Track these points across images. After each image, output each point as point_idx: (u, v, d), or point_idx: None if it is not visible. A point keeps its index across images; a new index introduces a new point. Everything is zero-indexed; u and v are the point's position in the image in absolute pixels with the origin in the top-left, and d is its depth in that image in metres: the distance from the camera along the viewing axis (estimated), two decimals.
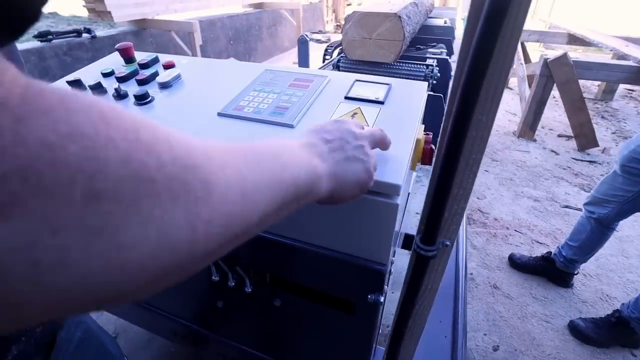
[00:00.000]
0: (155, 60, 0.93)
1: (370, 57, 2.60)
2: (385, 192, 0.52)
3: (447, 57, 2.77)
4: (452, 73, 2.66)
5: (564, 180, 2.76)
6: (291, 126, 0.63)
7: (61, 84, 0.86)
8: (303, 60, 2.26)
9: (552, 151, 3.22)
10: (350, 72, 2.59)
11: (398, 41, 2.50)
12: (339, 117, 0.65)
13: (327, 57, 3.53)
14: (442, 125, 0.40)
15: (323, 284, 0.69)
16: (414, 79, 2.44)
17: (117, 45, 0.92)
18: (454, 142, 0.36)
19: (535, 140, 3.41)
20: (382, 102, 0.68)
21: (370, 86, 0.74)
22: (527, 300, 1.74)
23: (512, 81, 4.90)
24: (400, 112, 0.66)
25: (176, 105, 0.74)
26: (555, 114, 4.08)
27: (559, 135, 3.54)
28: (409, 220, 1.63)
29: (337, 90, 0.73)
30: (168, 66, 0.89)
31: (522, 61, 3.96)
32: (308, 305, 0.73)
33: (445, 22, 4.19)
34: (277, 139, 0.37)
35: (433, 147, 0.71)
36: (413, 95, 0.72)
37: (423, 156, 0.70)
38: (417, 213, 2.17)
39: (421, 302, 0.54)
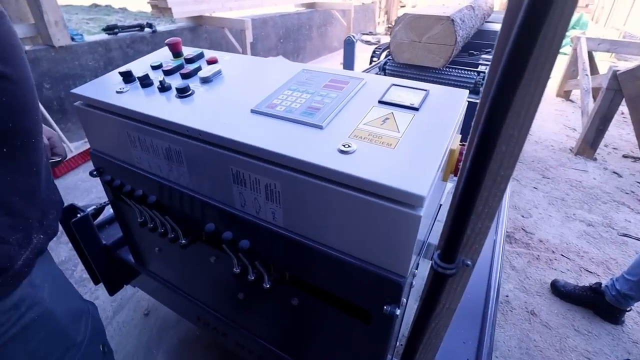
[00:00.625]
0: (200, 56, 0.97)
1: (418, 61, 2.53)
2: (408, 202, 0.50)
3: None
4: None
5: (625, 206, 2.52)
6: (320, 127, 0.62)
7: (114, 74, 0.92)
8: (348, 61, 2.25)
9: (615, 172, 2.95)
10: (396, 75, 2.54)
11: (449, 46, 2.41)
12: (370, 121, 0.64)
13: (375, 59, 3.50)
14: (469, 136, 0.37)
15: (340, 289, 0.68)
16: (462, 86, 2.35)
17: (167, 40, 0.97)
18: (480, 157, 0.34)
19: (595, 160, 3.14)
20: (416, 109, 0.66)
21: (407, 91, 0.72)
22: (567, 332, 1.60)
23: (575, 93, 4.55)
24: (434, 120, 0.63)
25: (213, 99, 0.76)
26: (622, 131, 3.73)
27: (625, 156, 3.24)
28: (440, 230, 1.56)
29: (371, 94, 0.72)
30: (211, 62, 0.92)
31: (588, 72, 3.66)
32: (324, 308, 0.73)
33: None
34: None
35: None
36: (451, 103, 0.68)
37: (457, 167, 0.67)
38: None
39: (437, 321, 0.52)
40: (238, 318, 0.98)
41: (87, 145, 2.89)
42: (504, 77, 0.30)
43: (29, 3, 2.75)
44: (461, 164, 0.61)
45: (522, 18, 0.28)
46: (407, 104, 0.67)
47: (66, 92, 3.01)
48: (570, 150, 3.31)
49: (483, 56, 2.93)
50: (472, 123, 0.36)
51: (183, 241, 0.82)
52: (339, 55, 6.68)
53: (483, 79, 2.30)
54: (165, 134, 0.74)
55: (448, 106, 0.68)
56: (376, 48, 3.48)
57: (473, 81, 2.33)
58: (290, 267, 0.72)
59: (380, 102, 0.68)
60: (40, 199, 0.63)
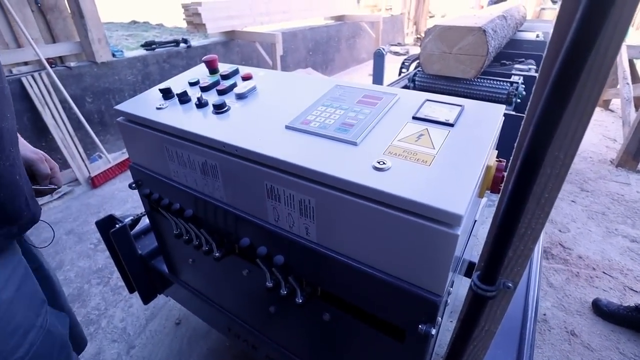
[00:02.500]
0: (236, 72, 1.00)
1: (449, 72, 2.50)
2: (445, 221, 0.49)
3: (536, 74, 2.56)
4: None
5: None
6: (354, 144, 0.63)
7: (154, 90, 0.97)
8: (378, 74, 2.26)
9: None
10: (426, 86, 2.52)
11: (481, 56, 2.37)
12: (405, 137, 0.63)
13: (404, 70, 3.48)
14: (511, 157, 0.37)
15: (373, 306, 0.67)
16: (494, 97, 2.30)
17: (204, 57, 1.01)
18: (524, 179, 0.33)
19: (638, 172, 2.97)
20: (452, 125, 0.65)
21: (441, 107, 0.71)
22: (612, 355, 1.50)
23: (615, 102, 4.33)
24: (470, 136, 0.62)
25: (249, 115, 0.78)
26: None
27: None
28: (476, 246, 1.52)
29: (405, 109, 0.72)
30: (246, 78, 0.95)
31: (629, 80, 3.48)
32: (356, 324, 0.72)
33: (537, 36, 3.88)
34: None
35: (505, 174, 0.66)
36: (487, 118, 0.67)
37: (493, 184, 0.65)
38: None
39: (476, 344, 0.50)
40: (269, 331, 0.99)
41: (124, 156, 3.04)
42: (550, 99, 0.29)
43: (76, 22, 2.95)
44: (502, 184, 0.60)
45: (571, 41, 0.27)
46: (442, 119, 0.66)
47: (106, 106, 3.18)
48: (611, 162, 3.14)
49: (516, 66, 2.85)
50: (515, 144, 0.35)
51: (217, 254, 0.84)
52: (367, 67, 6.71)
53: (516, 90, 2.23)
54: (202, 149, 0.76)
55: (484, 122, 0.66)
56: (405, 59, 3.47)
57: (506, 92, 2.27)
58: (322, 283, 0.72)
59: (414, 117, 0.68)
60: None
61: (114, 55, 3.18)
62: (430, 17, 10.17)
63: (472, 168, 0.55)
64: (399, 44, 7.86)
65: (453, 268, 0.60)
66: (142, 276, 1.30)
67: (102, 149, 2.97)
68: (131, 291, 1.34)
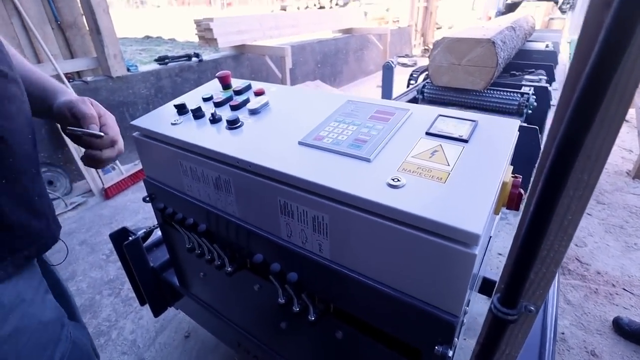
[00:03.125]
0: (248, 88, 1.01)
1: (458, 84, 2.50)
2: (462, 240, 0.49)
3: (547, 85, 2.54)
4: (553, 102, 2.41)
5: None
6: (368, 160, 0.62)
7: (169, 106, 0.98)
8: (387, 87, 2.27)
9: None
10: (435, 97, 2.52)
11: (490, 68, 2.37)
12: (419, 153, 0.63)
13: (412, 81, 3.49)
14: (532, 177, 0.36)
15: (387, 324, 0.66)
16: (505, 108, 2.28)
17: (217, 73, 1.02)
18: (546, 201, 0.32)
19: None
20: (466, 141, 0.64)
21: (454, 122, 0.70)
22: None
23: (630, 112, 4.27)
24: (485, 152, 0.62)
25: (262, 131, 0.79)
26: None
27: None
28: (489, 260, 1.49)
29: (418, 125, 0.72)
30: (259, 93, 0.96)
31: None
32: (370, 343, 0.71)
33: (547, 46, 3.86)
34: None
35: (522, 191, 0.65)
36: (502, 134, 0.66)
37: (509, 200, 0.64)
38: (499, 254, 1.98)
39: None
40: (279, 347, 0.98)
41: (137, 168, 3.08)
42: (573, 121, 0.29)
43: (93, 39, 3.03)
44: (521, 202, 0.59)
45: (594, 61, 0.27)
46: (456, 135, 0.66)
47: (120, 118, 3.24)
48: (627, 173, 3.08)
49: (526, 77, 2.84)
50: (537, 165, 0.35)
51: (229, 269, 0.84)
52: (375, 78, 6.74)
53: (527, 100, 2.22)
54: (215, 164, 0.77)
55: (498, 137, 0.66)
56: (413, 71, 3.48)
57: (516, 103, 2.26)
58: (335, 300, 0.71)
59: (427, 133, 0.68)
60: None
61: (128, 70, 3.25)
62: (438, 28, 10.22)
63: (488, 185, 0.55)
64: (407, 56, 7.90)
65: (470, 286, 0.58)
66: (153, 289, 1.30)
67: (117, 161, 3.02)
68: (142, 303, 1.34)
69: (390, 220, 0.54)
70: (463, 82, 2.39)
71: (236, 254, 0.86)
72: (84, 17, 2.98)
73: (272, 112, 0.87)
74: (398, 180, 0.56)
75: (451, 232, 0.49)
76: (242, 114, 0.88)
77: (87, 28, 3.03)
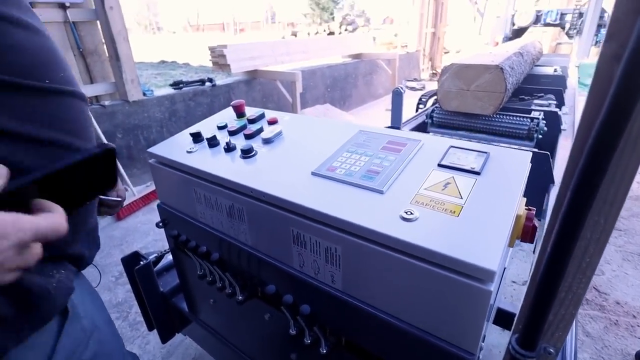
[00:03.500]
0: (262, 116, 1.04)
1: (467, 109, 2.52)
2: (477, 276, 0.48)
3: (557, 110, 2.54)
4: (563, 127, 2.41)
5: None
6: (381, 192, 0.63)
7: (186, 134, 1.01)
8: (396, 112, 2.29)
9: None
10: (444, 122, 2.54)
11: (499, 93, 2.39)
12: (431, 186, 0.64)
13: (421, 106, 3.52)
14: (548, 218, 0.36)
15: None
16: (515, 132, 2.28)
17: (232, 102, 1.06)
18: (563, 244, 0.32)
19: None
20: (478, 173, 0.65)
21: (466, 154, 0.71)
22: None
23: None
24: (498, 185, 0.62)
25: (275, 160, 0.80)
26: None
27: None
28: (504, 288, 1.45)
29: (430, 156, 0.72)
30: (272, 122, 0.98)
31: None
32: None
33: (555, 71, 3.89)
34: None
35: (536, 223, 0.65)
36: (514, 166, 0.67)
37: (523, 233, 0.64)
38: (513, 282, 1.94)
39: None
40: None
41: (149, 190, 3.12)
42: (587, 168, 0.29)
43: (112, 65, 3.15)
44: (536, 229, 0.58)
45: (606, 113, 0.27)
46: (468, 167, 0.66)
47: (135, 141, 3.32)
48: None
49: (535, 101, 2.85)
50: (552, 207, 0.35)
51: (240, 297, 0.84)
52: (384, 102, 6.83)
53: (537, 125, 2.22)
54: (229, 193, 0.78)
55: (511, 170, 0.66)
56: (422, 95, 3.52)
57: (526, 128, 2.26)
58: (347, 332, 0.70)
59: (439, 165, 0.68)
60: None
61: (144, 94, 3.36)
62: (445, 52, 10.39)
63: (502, 219, 0.54)
64: (415, 80, 8.01)
65: (487, 318, 0.57)
66: (162, 314, 1.29)
67: (129, 182, 3.07)
68: (150, 329, 1.33)
69: (403, 254, 0.54)
70: (472, 107, 2.40)
71: (247, 283, 0.86)
72: (104, 44, 3.11)
73: (285, 141, 0.89)
74: (411, 213, 0.57)
75: (466, 268, 0.48)
76: (255, 143, 0.90)
77: (107, 55, 3.15)
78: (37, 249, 0.41)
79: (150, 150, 0.97)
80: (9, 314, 0.46)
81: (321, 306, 0.70)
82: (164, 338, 1.33)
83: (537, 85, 3.43)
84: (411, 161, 0.72)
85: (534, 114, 2.34)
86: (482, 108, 2.38)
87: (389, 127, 2.38)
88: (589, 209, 0.31)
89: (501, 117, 2.37)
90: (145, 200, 3.09)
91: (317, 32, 17.34)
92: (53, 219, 0.43)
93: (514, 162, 0.68)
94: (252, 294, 0.86)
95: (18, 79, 0.48)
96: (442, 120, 2.60)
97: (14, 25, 0.49)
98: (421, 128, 2.65)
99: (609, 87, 0.27)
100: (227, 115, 1.11)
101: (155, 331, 1.31)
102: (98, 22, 3.02)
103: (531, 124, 2.24)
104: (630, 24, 0.26)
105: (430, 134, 2.57)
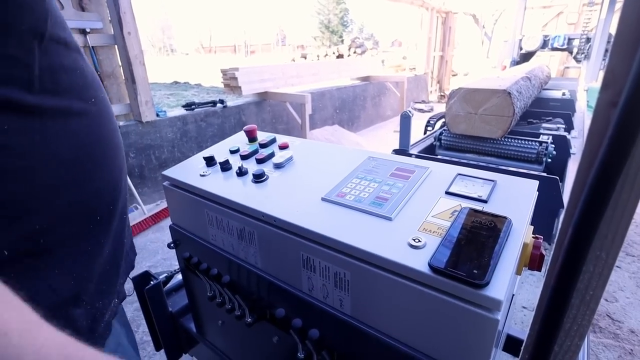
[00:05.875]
0: (273, 141, 1.07)
1: (475, 132, 2.54)
2: (483, 305, 0.49)
3: (566, 134, 2.55)
4: (572, 151, 2.41)
5: None
6: (389, 219, 0.65)
7: (199, 157, 1.04)
8: (404, 136, 2.32)
9: None
10: (452, 145, 2.55)
11: (507, 117, 2.41)
12: (439, 213, 0.65)
13: (429, 128, 3.55)
14: (552, 252, 0.37)
15: None
16: (524, 156, 2.29)
17: (245, 127, 1.09)
18: (565, 277, 0.34)
19: None
20: (485, 201, 0.66)
21: (473, 182, 0.73)
22: None
23: None
24: (505, 214, 0.63)
25: (286, 186, 0.83)
26: None
27: None
28: (514, 314, 1.43)
29: (438, 184, 0.74)
30: (283, 147, 1.02)
31: None
32: None
33: (563, 94, 3.91)
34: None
35: (543, 251, 0.66)
36: (520, 194, 0.68)
37: (531, 261, 0.65)
38: (523, 307, 1.90)
39: None
40: None
41: (159, 208, 3.17)
42: (586, 207, 0.31)
43: (128, 87, 3.27)
44: (544, 257, 0.59)
45: (602, 157, 0.29)
46: (475, 196, 0.68)
47: (146, 161, 3.40)
48: None
49: (544, 125, 2.86)
50: (555, 240, 0.36)
51: (249, 319, 0.85)
52: (392, 123, 6.90)
53: (546, 149, 2.23)
54: (240, 216, 0.81)
55: (517, 198, 0.67)
56: (430, 118, 3.56)
57: (535, 151, 2.27)
58: (355, 357, 0.70)
59: (447, 192, 0.70)
60: (125, 264, 0.71)
61: (158, 115, 3.46)
62: (453, 75, 10.52)
63: (510, 249, 0.55)
64: (423, 102, 8.10)
65: (495, 344, 0.58)
66: (170, 335, 1.30)
67: (139, 200, 3.13)
68: (157, 349, 1.33)
69: (410, 280, 0.55)
70: (480, 131, 2.43)
71: (257, 305, 0.87)
72: (121, 67, 3.24)
73: (296, 166, 0.92)
74: (419, 240, 0.58)
75: (472, 297, 0.49)
76: (267, 167, 0.92)
77: (123, 77, 3.27)
78: None
79: (165, 172, 1.01)
80: (85, 326, 0.48)
81: (329, 330, 0.71)
82: (171, 358, 1.33)
83: (545, 108, 3.46)
84: (419, 188, 0.73)
85: (542, 138, 2.35)
86: (490, 132, 2.40)
87: (397, 150, 2.41)
88: (590, 246, 0.32)
89: (510, 140, 2.39)
90: (155, 218, 3.13)
91: (326, 55, 17.74)
92: None
93: (520, 190, 0.70)
94: (261, 316, 0.87)
95: (73, 99, 0.50)
96: (450, 143, 2.62)
97: (66, 47, 0.51)
98: (429, 150, 2.67)
99: (606, 131, 0.29)
100: (239, 140, 1.15)
101: (162, 351, 1.31)
102: (116, 46, 3.15)
103: (540, 148, 2.25)
104: (625, 74, 0.29)
105: (439, 156, 2.59)
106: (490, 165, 2.32)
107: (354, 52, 17.78)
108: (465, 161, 2.41)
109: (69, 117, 0.49)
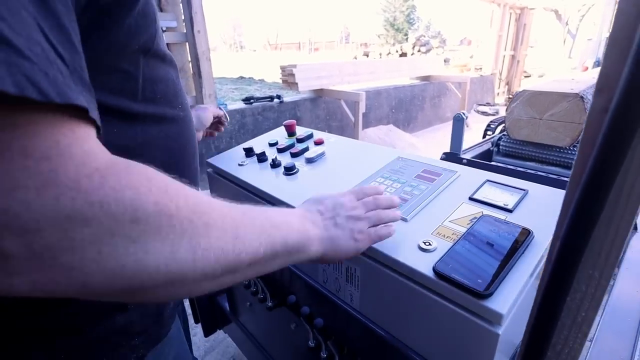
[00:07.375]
0: (310, 136, 1.10)
1: (539, 139, 2.36)
2: (486, 317, 0.47)
3: None
4: None
5: None
6: (405, 220, 0.64)
7: (240, 149, 1.11)
8: (456, 139, 2.21)
9: None
10: (512, 151, 2.40)
11: (577, 124, 2.21)
12: (457, 219, 0.63)
13: (489, 132, 3.35)
14: (542, 270, 0.36)
15: None
16: None
17: (285, 122, 1.14)
18: (553, 295, 0.32)
19: None
20: (510, 211, 0.63)
21: (502, 189, 0.69)
22: None
23: None
24: (529, 225, 0.59)
25: (314, 180, 0.86)
26: None
27: None
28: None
29: (463, 189, 0.72)
30: (318, 143, 1.04)
31: None
32: None
33: None
34: (281, 207, 0.51)
35: None
36: (551, 207, 0.63)
37: None
38: None
39: None
40: None
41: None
42: (575, 222, 0.29)
43: (195, 81, 3.52)
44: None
45: (592, 165, 0.28)
46: (500, 204, 0.65)
47: (206, 149, 3.64)
48: None
49: None
50: (545, 259, 0.34)
51: (269, 304, 0.89)
52: (451, 126, 6.60)
53: None
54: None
55: (546, 210, 0.63)
56: (491, 121, 3.34)
57: None
58: (361, 352, 0.71)
59: (470, 198, 0.68)
60: None
61: (219, 108, 3.68)
62: (526, 76, 9.74)
63: (525, 262, 0.53)
64: (488, 104, 7.62)
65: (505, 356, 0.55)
66: (207, 310, 1.40)
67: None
68: (196, 322, 1.45)
69: (415, 283, 0.55)
70: (544, 138, 2.24)
71: (277, 291, 0.91)
72: (190, 62, 3.49)
73: (326, 162, 0.94)
74: (429, 244, 0.57)
75: (474, 306, 0.48)
76: (299, 161, 0.96)
77: (192, 72, 3.53)
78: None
79: (209, 160, 1.09)
80: (149, 325, 0.54)
81: (339, 322, 0.72)
82: (207, 332, 1.44)
83: None
84: (443, 192, 0.72)
85: None
86: (556, 139, 2.21)
87: (447, 153, 2.32)
88: (580, 261, 0.30)
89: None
90: None
91: (388, 53, 17.42)
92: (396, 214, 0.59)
93: (552, 202, 0.65)
94: (281, 302, 0.91)
95: (166, 107, 0.54)
96: (509, 149, 2.45)
97: (162, 60, 0.54)
98: (486, 156, 2.53)
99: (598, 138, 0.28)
100: (279, 134, 1.20)
101: (200, 325, 1.43)
102: (187, 43, 3.41)
103: None
104: (619, 78, 0.27)
105: (495, 163, 2.43)
106: (551, 176, 2.13)
107: (418, 51, 17.23)
108: (522, 169, 2.24)
109: (163, 122, 0.55)
